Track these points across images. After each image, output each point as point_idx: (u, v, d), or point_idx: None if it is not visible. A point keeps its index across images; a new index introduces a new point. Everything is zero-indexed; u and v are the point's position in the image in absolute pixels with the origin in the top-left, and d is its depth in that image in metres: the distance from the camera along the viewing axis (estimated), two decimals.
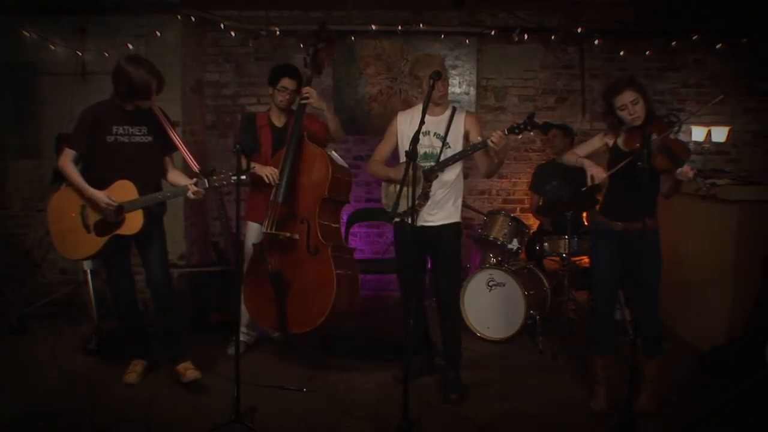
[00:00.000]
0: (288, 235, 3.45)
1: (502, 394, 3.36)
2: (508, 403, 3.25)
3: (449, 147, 3.27)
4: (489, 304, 4.22)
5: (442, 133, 3.28)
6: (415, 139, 2.77)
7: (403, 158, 3.34)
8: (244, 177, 3.13)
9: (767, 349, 3.12)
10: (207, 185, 3.12)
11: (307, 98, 3.58)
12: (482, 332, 4.23)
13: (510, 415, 3.13)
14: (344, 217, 4.89)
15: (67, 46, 4.66)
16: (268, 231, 3.47)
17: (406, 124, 3.37)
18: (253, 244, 3.67)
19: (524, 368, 3.75)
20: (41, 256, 4.51)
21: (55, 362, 3.72)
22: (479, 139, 3.18)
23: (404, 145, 3.29)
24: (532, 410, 3.18)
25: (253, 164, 3.54)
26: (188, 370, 3.39)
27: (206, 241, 5.33)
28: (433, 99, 3.22)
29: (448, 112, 3.34)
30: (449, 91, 5.25)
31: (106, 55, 4.63)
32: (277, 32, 4.98)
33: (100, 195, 3.15)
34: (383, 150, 3.50)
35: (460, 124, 3.31)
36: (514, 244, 4.33)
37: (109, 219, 3.19)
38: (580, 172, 3.17)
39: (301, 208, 3.53)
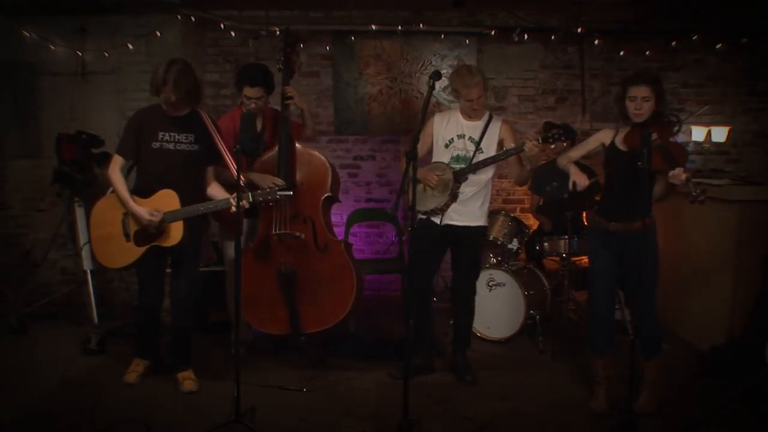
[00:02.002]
0: (297, 234, 3.48)
1: (502, 394, 3.36)
2: (508, 403, 3.25)
3: (482, 152, 3.38)
4: (489, 304, 4.21)
5: (476, 137, 3.39)
6: (415, 139, 2.82)
7: (438, 158, 3.46)
8: (290, 193, 3.15)
9: (767, 349, 3.12)
10: (251, 200, 3.03)
11: (291, 98, 3.58)
12: (482, 332, 4.23)
13: (510, 415, 3.13)
14: (344, 217, 4.90)
15: (67, 46, 4.66)
16: (278, 231, 3.47)
17: (442, 125, 3.48)
18: (243, 250, 3.62)
19: (524, 368, 3.75)
20: (41, 256, 4.51)
21: (55, 362, 3.71)
22: (512, 145, 3.28)
23: (439, 146, 3.44)
24: (532, 410, 3.18)
25: (286, 185, 3.48)
26: (186, 380, 3.36)
27: (206, 241, 5.32)
28: (466, 111, 3.40)
29: (484, 119, 3.45)
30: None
31: (106, 55, 4.63)
32: (277, 32, 4.97)
33: (142, 212, 3.11)
34: (419, 150, 3.52)
35: (495, 131, 3.43)
36: (514, 244, 4.33)
37: (150, 229, 3.17)
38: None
39: (303, 207, 3.54)
